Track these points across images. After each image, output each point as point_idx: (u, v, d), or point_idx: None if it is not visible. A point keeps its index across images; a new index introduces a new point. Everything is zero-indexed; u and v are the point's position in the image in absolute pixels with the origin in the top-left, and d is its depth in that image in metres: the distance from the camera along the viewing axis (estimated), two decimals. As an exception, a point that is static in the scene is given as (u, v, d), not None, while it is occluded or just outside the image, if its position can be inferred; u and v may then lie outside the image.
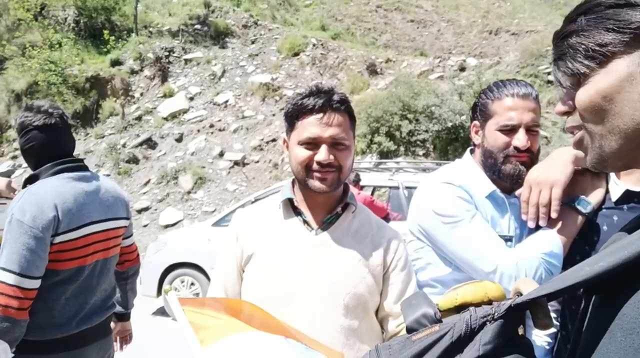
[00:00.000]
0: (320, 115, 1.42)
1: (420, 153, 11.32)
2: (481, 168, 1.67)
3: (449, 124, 10.42)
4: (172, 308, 1.19)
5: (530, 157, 1.57)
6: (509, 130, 1.56)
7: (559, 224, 1.46)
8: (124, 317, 2.44)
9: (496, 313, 0.69)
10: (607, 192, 1.50)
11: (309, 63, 14.69)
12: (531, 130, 1.57)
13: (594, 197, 1.47)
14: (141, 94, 14.55)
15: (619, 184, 1.45)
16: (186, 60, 15.10)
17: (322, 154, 1.41)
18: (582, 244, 1.46)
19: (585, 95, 0.69)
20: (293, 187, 1.57)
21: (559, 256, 1.44)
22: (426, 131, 10.79)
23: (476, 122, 1.70)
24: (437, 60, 14.06)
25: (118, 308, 2.34)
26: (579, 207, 1.45)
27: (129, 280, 2.43)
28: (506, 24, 16.98)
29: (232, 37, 16.03)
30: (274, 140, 12.64)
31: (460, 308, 0.76)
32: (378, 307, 1.49)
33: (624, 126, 0.65)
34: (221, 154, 12.48)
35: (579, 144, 0.75)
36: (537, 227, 1.51)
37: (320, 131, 1.42)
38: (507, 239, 1.58)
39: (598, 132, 0.69)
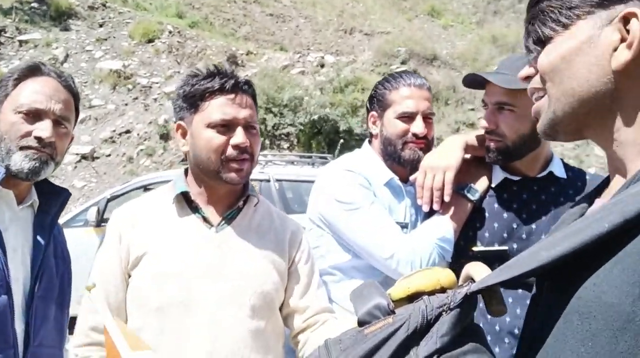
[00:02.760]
0: (232, 95, 1.30)
1: (285, 146, 11.42)
2: (380, 157, 1.70)
3: (315, 117, 10.67)
4: (97, 307, 1.06)
5: (426, 144, 1.63)
6: (407, 118, 1.61)
7: (451, 210, 1.52)
8: None
9: (452, 303, 0.66)
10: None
11: (165, 51, 13.92)
12: (427, 118, 1.63)
13: (480, 185, 1.56)
14: (-37, 78, 12.52)
15: (498, 172, 1.57)
16: (21, 42, 13.31)
17: (240, 137, 1.29)
18: (466, 229, 1.54)
19: (546, 56, 0.70)
20: (186, 178, 1.42)
21: (451, 241, 1.51)
22: (291, 124, 10.92)
23: (374, 113, 1.73)
24: (297, 56, 14.28)
25: None
26: (468, 195, 1.54)
27: None
28: (359, 24, 17.86)
29: (76, 19, 14.53)
30: (127, 131, 11.76)
31: (412, 297, 0.73)
32: (282, 303, 1.42)
33: (579, 88, 0.66)
34: (66, 147, 11.29)
35: (536, 112, 0.75)
36: (431, 213, 1.57)
37: (235, 112, 1.30)
38: (403, 226, 1.63)
39: (554, 93, 0.69)
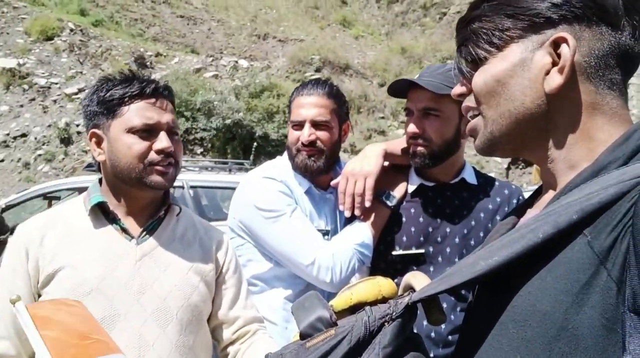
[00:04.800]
0: (153, 99, 1.25)
1: (199, 151, 11.12)
2: None
3: (228, 121, 10.50)
4: (21, 322, 0.95)
5: (317, 151, 1.66)
6: (298, 126, 1.68)
7: (370, 217, 1.57)
8: None
9: (394, 313, 0.68)
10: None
11: (65, 49, 13.05)
12: (320, 124, 1.66)
13: (398, 191, 1.62)
14: None
15: (414, 179, 1.64)
16: None
17: (164, 141, 1.24)
18: (384, 234, 1.59)
19: (481, 78, 0.70)
20: (100, 188, 1.34)
21: (370, 246, 1.55)
22: (204, 129, 10.66)
23: (288, 122, 1.76)
24: (209, 59, 14.01)
25: None
26: (386, 201, 1.59)
27: None
28: (273, 30, 17.89)
29: (-37, 11, 13.25)
30: (23, 135, 10.89)
31: (355, 308, 0.73)
32: (210, 315, 1.38)
33: (515, 110, 0.67)
34: (-49, 152, 10.24)
35: (472, 130, 0.74)
36: (350, 219, 1.61)
37: (158, 116, 1.25)
38: (324, 233, 1.66)
39: (490, 115, 0.70)
